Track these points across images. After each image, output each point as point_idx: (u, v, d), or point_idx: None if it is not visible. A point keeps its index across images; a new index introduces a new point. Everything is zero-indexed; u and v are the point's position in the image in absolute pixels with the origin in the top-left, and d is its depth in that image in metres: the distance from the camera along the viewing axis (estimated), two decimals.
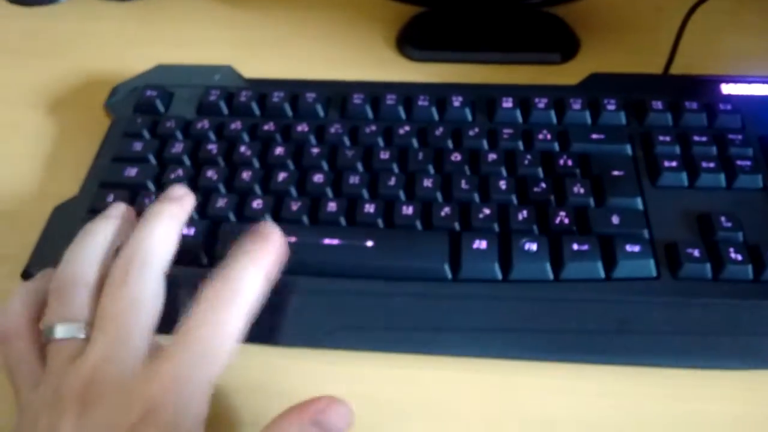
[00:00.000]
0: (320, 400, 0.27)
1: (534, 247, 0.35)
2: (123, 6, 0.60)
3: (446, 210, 0.37)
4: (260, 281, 0.29)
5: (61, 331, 0.29)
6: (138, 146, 0.41)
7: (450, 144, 0.41)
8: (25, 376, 0.29)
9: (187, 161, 0.40)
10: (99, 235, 0.31)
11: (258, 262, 0.30)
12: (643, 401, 0.33)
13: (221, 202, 0.38)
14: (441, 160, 0.40)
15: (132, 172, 0.40)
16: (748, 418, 0.32)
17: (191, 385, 0.27)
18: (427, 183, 0.38)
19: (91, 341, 0.28)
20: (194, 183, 0.39)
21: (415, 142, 0.41)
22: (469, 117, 0.43)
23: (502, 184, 0.38)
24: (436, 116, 0.43)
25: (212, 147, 0.41)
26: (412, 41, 0.53)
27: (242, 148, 0.40)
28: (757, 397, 0.33)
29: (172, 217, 0.32)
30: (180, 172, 0.39)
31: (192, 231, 0.36)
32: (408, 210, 0.37)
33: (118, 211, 0.33)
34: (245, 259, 0.30)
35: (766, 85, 0.44)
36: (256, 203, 0.38)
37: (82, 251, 0.31)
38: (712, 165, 0.38)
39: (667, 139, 0.40)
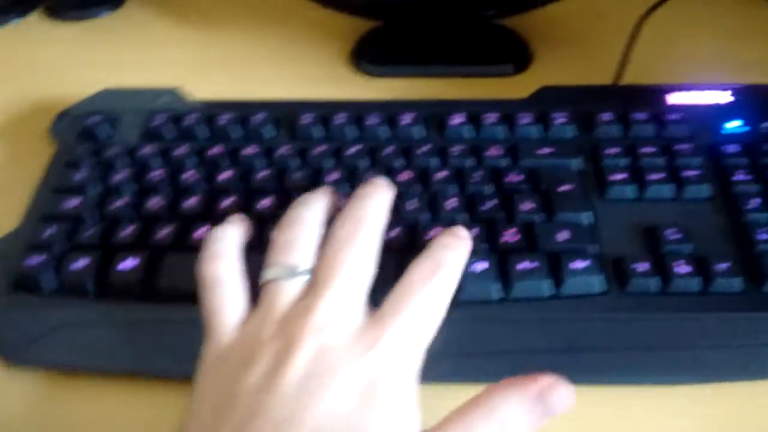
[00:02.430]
0: (545, 377, 0.27)
1: (482, 266, 0.35)
2: (75, 27, 0.59)
3: (396, 231, 0.36)
4: (459, 266, 0.31)
5: (285, 273, 0.30)
6: (79, 176, 0.40)
7: (400, 162, 0.40)
8: (230, 316, 0.29)
9: (130, 189, 0.40)
10: (318, 202, 0.33)
11: (457, 252, 0.31)
12: (594, 420, 0.32)
13: (164, 231, 0.37)
14: (391, 179, 0.39)
15: (73, 202, 0.39)
16: None
17: (414, 343, 0.28)
18: None
19: (318, 285, 0.29)
20: (137, 212, 0.38)
21: (365, 162, 0.41)
22: (420, 134, 0.42)
23: (452, 202, 0.38)
24: (386, 134, 0.42)
25: (157, 173, 0.40)
26: (367, 57, 0.53)
27: (188, 174, 0.40)
28: (708, 412, 0.33)
29: (385, 195, 0.33)
30: (123, 201, 0.38)
31: (134, 262, 0.36)
32: None
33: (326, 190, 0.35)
34: (446, 248, 0.31)
35: (714, 93, 0.44)
36: (201, 231, 0.37)
37: (306, 211, 0.32)
38: (660, 176, 0.38)
39: (616, 151, 0.40)
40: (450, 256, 0.31)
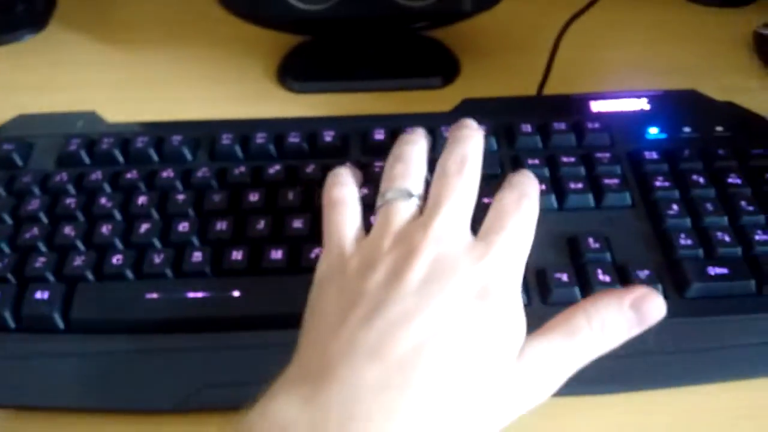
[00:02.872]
0: (640, 288, 0.30)
1: None
2: None
3: (317, 251, 0.36)
4: (537, 195, 0.34)
5: (401, 194, 0.33)
6: None
7: (322, 181, 0.40)
8: (349, 232, 0.33)
9: (44, 218, 0.38)
10: (421, 140, 0.37)
11: (532, 186, 0.34)
12: None
13: (78, 260, 0.36)
14: (311, 198, 0.39)
15: None
16: None
17: (516, 256, 0.31)
18: (297, 224, 0.37)
19: (433, 205, 0.32)
20: (51, 241, 0.37)
21: (285, 181, 0.40)
22: (342, 150, 0.42)
23: (376, 219, 0.37)
24: (307, 152, 0.42)
25: (71, 201, 0.39)
26: (293, 73, 0.53)
27: (102, 200, 0.38)
28: (641, 420, 0.33)
29: (480, 135, 0.36)
30: (35, 230, 0.37)
31: (45, 295, 0.34)
32: (277, 254, 0.36)
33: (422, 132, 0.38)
34: (522, 184, 0.34)
35: (634, 100, 0.44)
36: (116, 259, 0.36)
37: (412, 147, 0.36)
38: (579, 185, 0.38)
39: (536, 162, 0.40)
40: (528, 189, 0.33)
